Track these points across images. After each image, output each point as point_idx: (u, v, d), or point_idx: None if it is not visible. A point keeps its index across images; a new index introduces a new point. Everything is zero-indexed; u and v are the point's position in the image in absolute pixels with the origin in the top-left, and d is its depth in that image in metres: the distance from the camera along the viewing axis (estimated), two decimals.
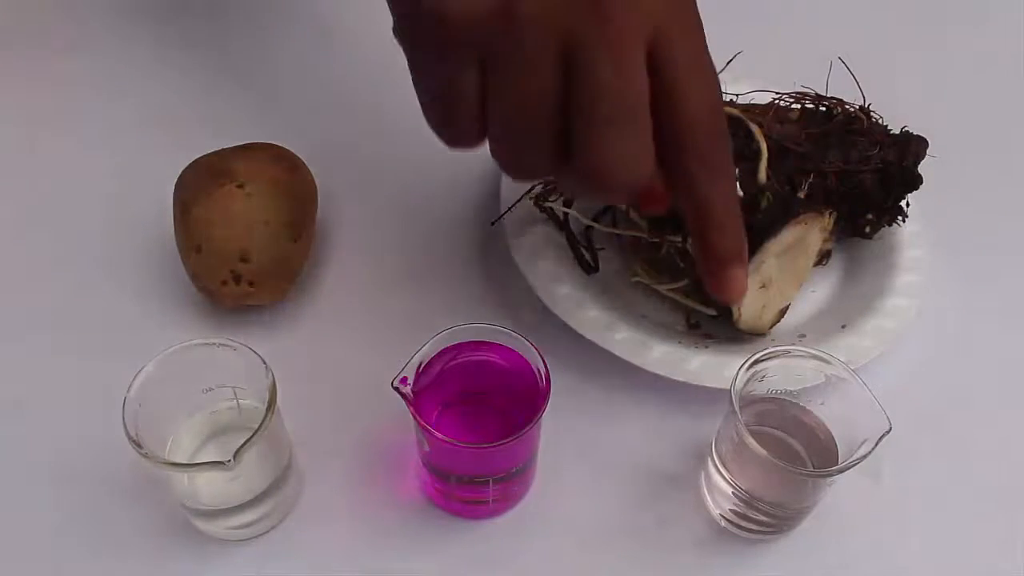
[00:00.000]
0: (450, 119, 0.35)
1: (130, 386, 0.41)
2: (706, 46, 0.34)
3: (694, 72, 0.34)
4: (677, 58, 0.33)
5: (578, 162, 0.33)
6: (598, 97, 0.32)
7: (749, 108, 0.52)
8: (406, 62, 0.36)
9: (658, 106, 0.33)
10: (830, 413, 0.45)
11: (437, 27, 0.33)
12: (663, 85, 0.33)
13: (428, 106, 0.35)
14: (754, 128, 0.50)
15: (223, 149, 0.53)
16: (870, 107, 0.54)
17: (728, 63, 0.50)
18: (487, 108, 0.34)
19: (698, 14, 0.34)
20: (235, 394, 0.45)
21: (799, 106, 0.54)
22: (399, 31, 0.35)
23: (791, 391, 0.46)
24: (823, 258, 0.57)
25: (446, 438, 0.41)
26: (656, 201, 0.36)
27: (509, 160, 0.35)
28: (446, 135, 0.36)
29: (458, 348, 0.44)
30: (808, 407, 0.46)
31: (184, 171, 0.53)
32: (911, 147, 0.54)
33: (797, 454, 0.46)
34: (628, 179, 0.33)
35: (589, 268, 0.56)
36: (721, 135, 0.35)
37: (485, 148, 0.36)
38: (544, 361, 0.42)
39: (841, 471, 0.41)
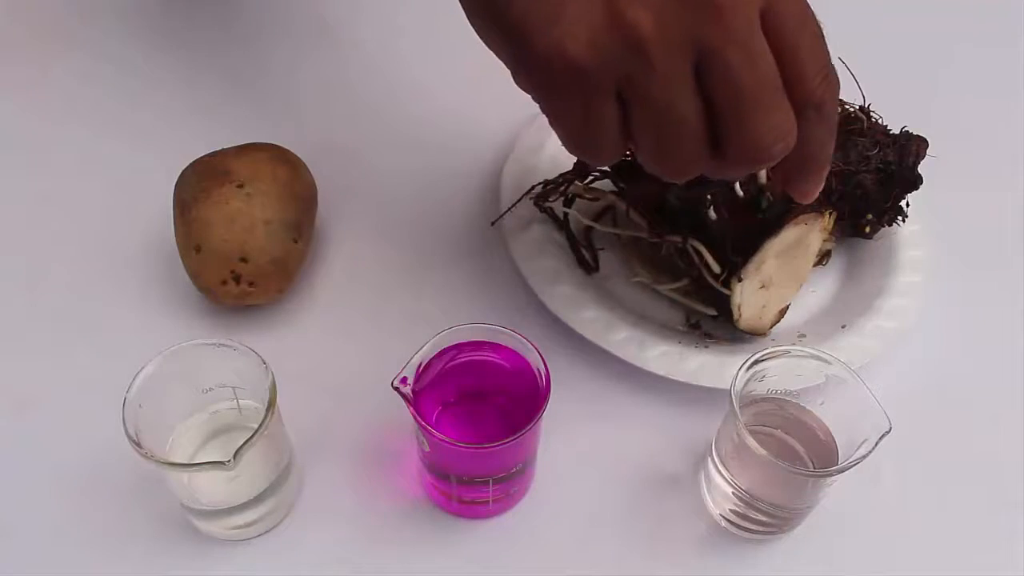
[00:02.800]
0: (597, 148, 0.37)
1: (130, 386, 0.41)
2: None
3: (803, 29, 0.35)
4: (787, 23, 0.35)
5: (735, 148, 0.36)
6: (740, 90, 0.34)
7: None
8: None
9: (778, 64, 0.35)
10: (830, 413, 0.45)
11: (571, 72, 0.35)
12: (779, 47, 0.35)
13: (572, 140, 0.37)
14: None
15: (223, 149, 0.53)
16: (870, 107, 0.54)
17: None
18: (632, 128, 0.36)
19: None
20: (235, 394, 0.45)
21: None
22: (526, 80, 0.37)
23: (791, 391, 0.46)
24: (823, 258, 0.57)
25: (446, 438, 0.41)
26: None
27: (666, 167, 0.37)
28: (592, 159, 0.39)
29: (458, 348, 0.44)
30: (808, 407, 0.46)
31: (184, 171, 0.53)
32: (911, 147, 0.54)
33: (797, 454, 0.46)
34: (783, 145, 0.36)
35: (589, 268, 0.56)
36: (834, 81, 0.37)
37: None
38: (544, 361, 0.42)
39: (841, 471, 0.41)
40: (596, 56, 0.34)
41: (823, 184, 0.41)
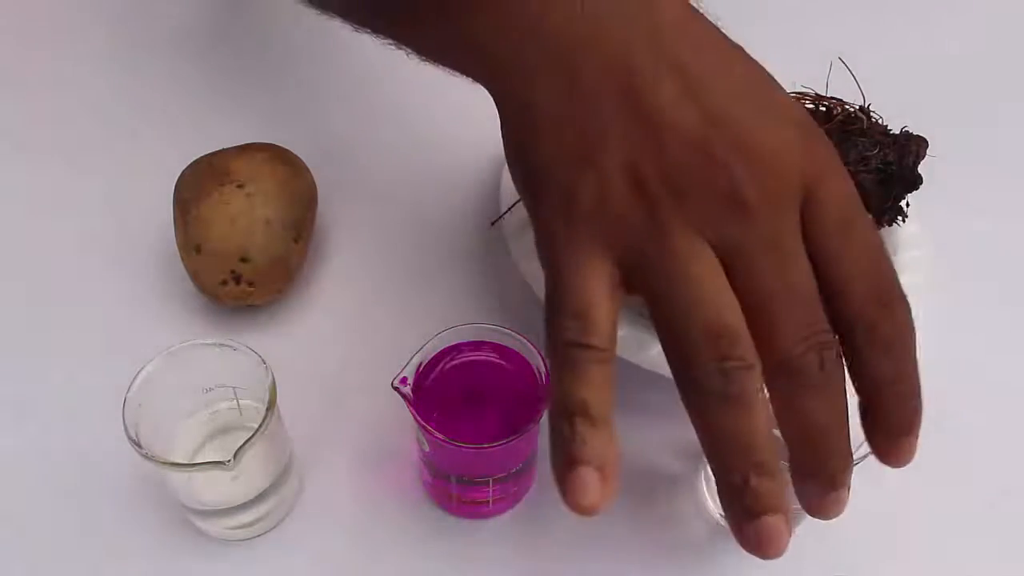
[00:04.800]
0: (588, 316, 0.32)
1: (130, 386, 0.41)
2: (858, 200, 0.32)
3: (849, 231, 0.32)
4: (828, 223, 0.31)
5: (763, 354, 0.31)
6: (762, 292, 0.31)
7: None
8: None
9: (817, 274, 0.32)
10: None
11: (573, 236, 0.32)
12: (818, 256, 0.31)
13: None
14: None
15: (223, 149, 0.53)
16: (870, 107, 0.54)
17: None
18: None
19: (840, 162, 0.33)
20: (235, 394, 0.45)
21: None
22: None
23: None
24: None
25: (446, 438, 0.41)
26: None
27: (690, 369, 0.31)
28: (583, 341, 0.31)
29: (458, 348, 0.44)
30: None
31: (184, 171, 0.53)
32: (911, 147, 0.54)
33: None
34: (809, 347, 0.31)
35: None
36: (893, 302, 0.32)
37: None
38: (544, 361, 0.42)
39: None
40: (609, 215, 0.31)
41: (914, 446, 0.33)
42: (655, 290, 0.31)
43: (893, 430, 0.33)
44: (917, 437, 0.33)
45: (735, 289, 0.31)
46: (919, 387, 0.33)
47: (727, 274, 0.31)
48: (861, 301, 0.31)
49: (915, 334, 0.32)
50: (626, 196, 0.31)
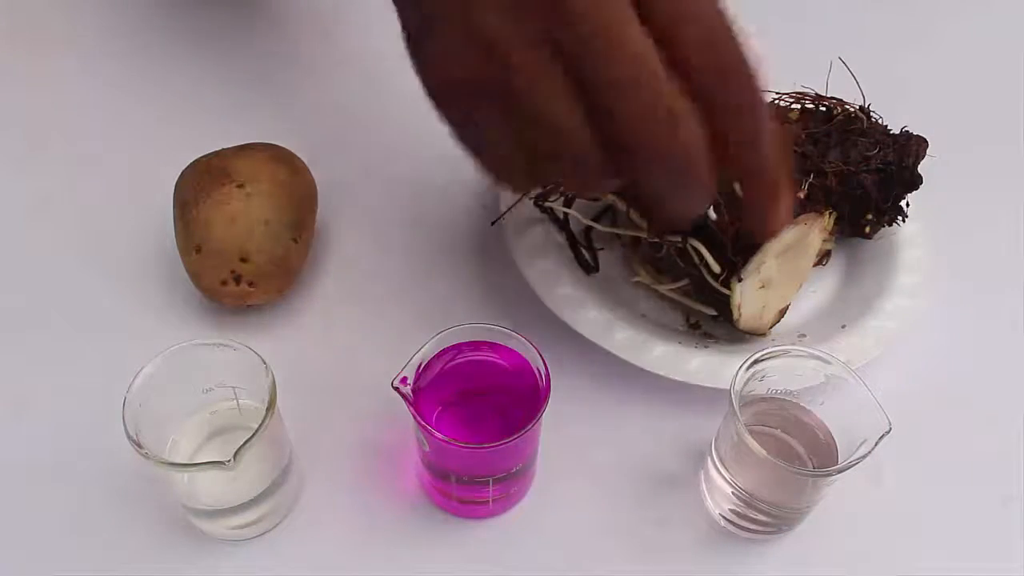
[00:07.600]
0: (506, 169, 0.36)
1: (130, 386, 0.41)
2: None
3: (685, 7, 0.31)
4: (663, 6, 0.31)
5: (618, 137, 0.31)
6: (597, 69, 0.30)
7: None
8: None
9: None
10: (830, 413, 0.45)
11: (435, 94, 0.36)
12: (658, 37, 0.31)
13: (483, 163, 0.37)
14: None
15: (223, 149, 0.53)
16: (870, 107, 0.54)
17: None
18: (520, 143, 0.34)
19: None
20: (235, 394, 0.45)
21: (799, 106, 0.54)
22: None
23: (791, 391, 0.46)
24: (823, 258, 0.57)
25: (446, 438, 0.41)
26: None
27: (565, 181, 0.37)
28: (511, 185, 0.37)
29: (458, 348, 0.44)
30: (808, 407, 0.46)
31: (184, 171, 0.53)
32: (911, 147, 0.54)
33: (797, 454, 0.46)
34: (667, 129, 0.31)
35: (589, 268, 0.56)
36: (733, 69, 0.32)
37: None
38: (544, 361, 0.42)
39: (841, 471, 0.41)
40: (458, 65, 0.33)
41: (782, 212, 0.36)
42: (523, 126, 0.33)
43: (772, 191, 0.36)
44: (781, 204, 0.36)
45: (579, 79, 0.31)
46: (768, 160, 0.35)
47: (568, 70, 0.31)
48: (697, 73, 0.31)
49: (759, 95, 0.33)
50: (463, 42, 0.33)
